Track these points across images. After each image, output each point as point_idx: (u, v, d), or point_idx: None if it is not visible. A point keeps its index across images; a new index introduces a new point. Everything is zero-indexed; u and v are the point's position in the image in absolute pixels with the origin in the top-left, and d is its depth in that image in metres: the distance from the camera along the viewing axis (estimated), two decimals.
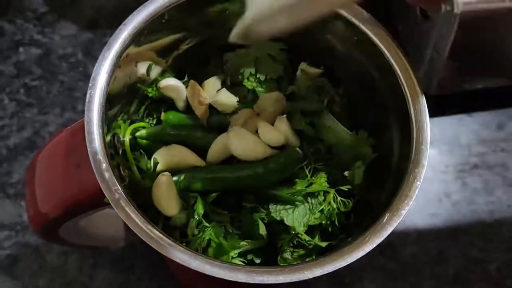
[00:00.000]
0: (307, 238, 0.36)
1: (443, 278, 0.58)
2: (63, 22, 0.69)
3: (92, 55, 0.67)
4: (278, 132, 0.38)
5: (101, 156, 0.30)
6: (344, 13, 0.37)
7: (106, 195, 0.29)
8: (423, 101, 0.35)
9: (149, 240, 0.29)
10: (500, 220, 0.61)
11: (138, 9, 0.35)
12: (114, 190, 0.30)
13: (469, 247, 0.59)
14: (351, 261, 0.29)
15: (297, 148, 0.38)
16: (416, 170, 0.32)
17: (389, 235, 0.59)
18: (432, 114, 0.69)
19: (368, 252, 0.30)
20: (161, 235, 0.29)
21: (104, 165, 0.30)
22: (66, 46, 0.67)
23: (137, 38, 0.35)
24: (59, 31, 0.69)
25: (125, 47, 0.34)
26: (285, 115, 0.39)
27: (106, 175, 0.30)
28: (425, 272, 0.58)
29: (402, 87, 0.36)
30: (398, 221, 0.31)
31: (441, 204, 0.61)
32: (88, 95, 0.32)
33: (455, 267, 0.58)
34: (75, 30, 0.68)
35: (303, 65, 0.43)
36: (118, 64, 0.34)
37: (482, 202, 0.62)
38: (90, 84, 0.32)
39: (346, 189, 0.38)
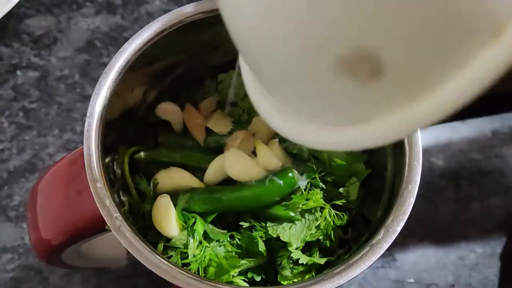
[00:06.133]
0: (304, 257, 0.37)
1: (442, 285, 0.58)
2: (59, 44, 0.70)
3: (89, 76, 0.68)
4: (276, 156, 0.38)
5: (101, 184, 0.31)
6: None
7: (107, 222, 0.30)
8: None
9: (151, 266, 0.29)
10: (497, 226, 0.61)
11: (133, 37, 0.36)
12: (115, 217, 0.30)
13: (467, 253, 0.60)
14: (349, 279, 0.30)
15: (294, 169, 0.38)
16: (410, 186, 0.33)
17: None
18: None
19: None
20: (162, 260, 0.30)
21: (104, 192, 0.31)
22: (63, 67, 0.68)
23: (132, 65, 0.36)
24: (56, 53, 0.69)
25: (121, 75, 0.35)
26: (277, 140, 0.39)
27: (107, 202, 0.30)
28: (425, 279, 0.58)
29: None
30: (394, 237, 0.31)
31: (438, 212, 0.62)
32: (86, 124, 0.33)
33: (455, 274, 0.59)
34: (71, 52, 0.69)
35: None
36: (114, 91, 0.34)
37: (478, 209, 0.62)
38: (88, 113, 0.33)
39: (341, 203, 0.39)
